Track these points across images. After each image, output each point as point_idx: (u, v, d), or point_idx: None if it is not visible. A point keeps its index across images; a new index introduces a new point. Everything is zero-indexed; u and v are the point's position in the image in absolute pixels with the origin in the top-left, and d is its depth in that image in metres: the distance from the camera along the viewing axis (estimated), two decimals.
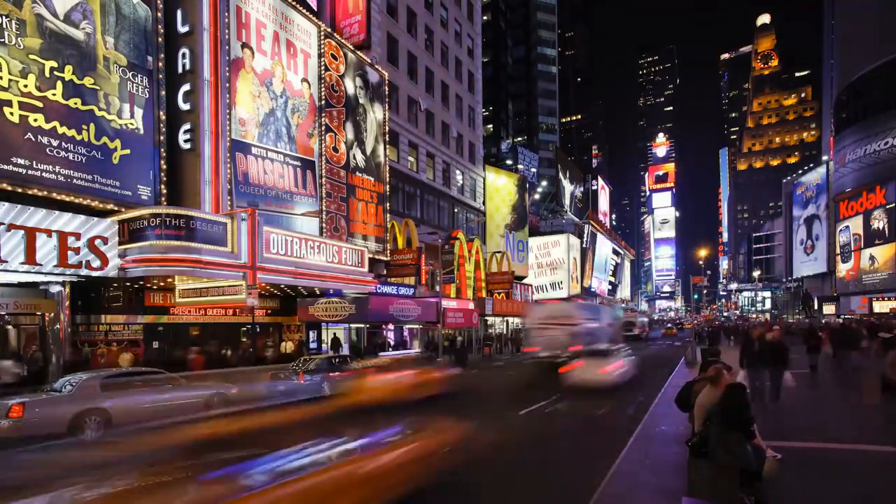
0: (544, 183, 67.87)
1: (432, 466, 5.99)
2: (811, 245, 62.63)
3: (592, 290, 68.01)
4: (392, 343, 27.91)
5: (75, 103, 14.52)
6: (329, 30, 23.98)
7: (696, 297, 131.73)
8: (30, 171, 13.52)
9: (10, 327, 14.56)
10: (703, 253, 75.24)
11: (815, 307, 57.01)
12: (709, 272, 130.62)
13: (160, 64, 16.80)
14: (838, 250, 52.11)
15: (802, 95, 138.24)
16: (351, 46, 25.21)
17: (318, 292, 21.17)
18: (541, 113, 74.76)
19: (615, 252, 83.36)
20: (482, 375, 21.26)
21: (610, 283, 79.52)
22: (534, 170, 62.53)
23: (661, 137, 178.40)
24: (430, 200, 35.16)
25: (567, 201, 73.46)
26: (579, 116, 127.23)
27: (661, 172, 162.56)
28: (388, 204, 26.74)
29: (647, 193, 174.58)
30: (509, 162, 59.22)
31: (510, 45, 70.24)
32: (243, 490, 3.99)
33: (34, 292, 14.31)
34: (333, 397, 13.26)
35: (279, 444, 4.60)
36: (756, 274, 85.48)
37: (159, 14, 16.87)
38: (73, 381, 10.02)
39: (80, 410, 9.49)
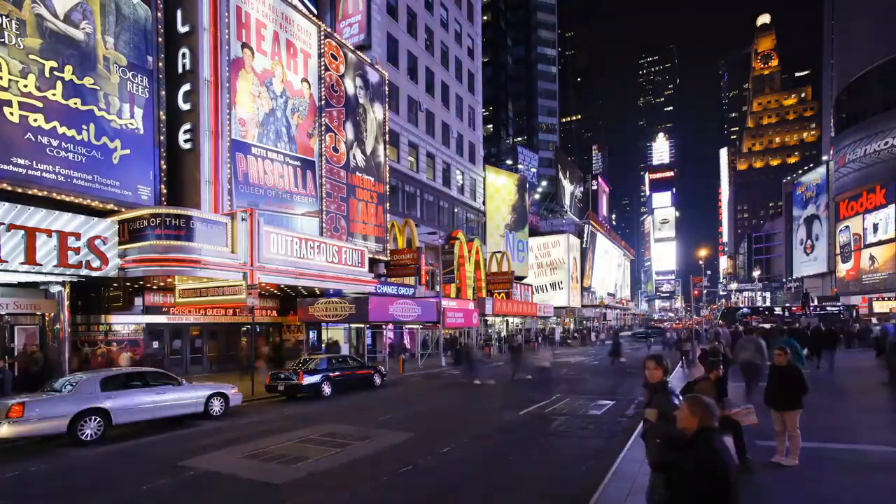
0: (544, 183, 67.86)
1: None
2: (811, 245, 62.60)
3: (592, 290, 67.97)
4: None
5: (75, 103, 14.52)
6: (329, 30, 23.98)
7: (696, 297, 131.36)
8: (30, 171, 13.51)
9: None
10: (703, 253, 75.16)
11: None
12: (709, 272, 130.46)
13: (160, 64, 16.80)
14: (838, 250, 52.08)
15: (802, 95, 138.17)
16: (351, 46, 25.21)
17: (318, 292, 21.17)
18: (541, 113, 74.72)
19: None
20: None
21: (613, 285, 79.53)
22: (534, 170, 62.54)
23: (661, 137, 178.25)
24: (430, 200, 35.15)
25: (567, 201, 73.47)
26: (579, 116, 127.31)
27: (660, 173, 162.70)
28: (388, 204, 26.73)
29: (647, 193, 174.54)
30: (509, 162, 59.21)
31: (510, 45, 70.22)
32: None
33: (34, 292, 14.31)
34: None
35: None
36: (756, 274, 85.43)
37: (159, 14, 16.87)
38: (73, 381, 10.02)
39: (80, 410, 9.48)
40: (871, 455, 7.59)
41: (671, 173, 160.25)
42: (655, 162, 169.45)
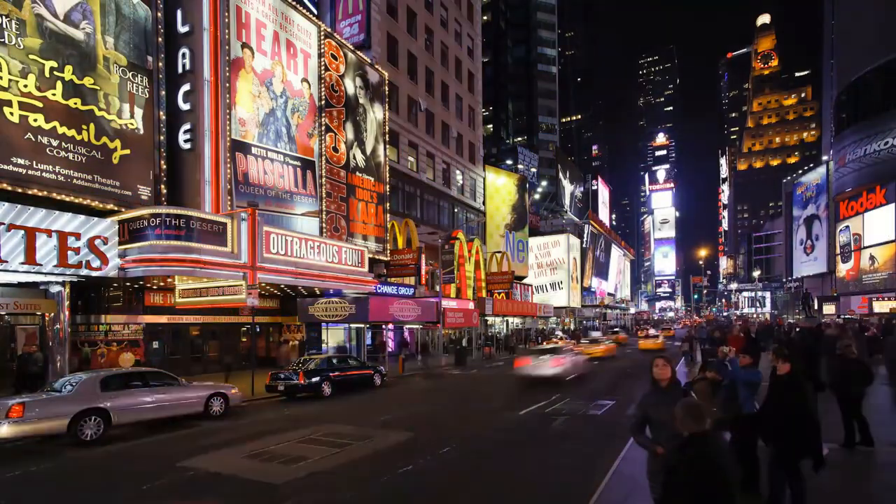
0: (544, 183, 67.83)
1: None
2: (811, 245, 62.54)
3: (592, 290, 67.98)
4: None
5: (75, 103, 14.53)
6: (329, 30, 23.97)
7: (695, 297, 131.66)
8: (30, 171, 13.52)
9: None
10: (703, 253, 75.24)
11: (815, 307, 56.97)
12: (709, 272, 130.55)
13: (160, 64, 16.81)
14: (838, 250, 52.04)
15: (802, 95, 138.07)
16: (351, 46, 25.20)
17: (318, 292, 21.18)
18: (541, 113, 74.69)
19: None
20: (483, 376, 21.26)
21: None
22: (534, 170, 62.48)
23: (661, 137, 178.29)
24: (430, 200, 35.14)
25: (567, 201, 73.42)
26: (579, 116, 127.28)
27: (660, 173, 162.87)
28: (388, 204, 26.73)
29: (647, 193, 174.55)
30: (509, 162, 59.19)
31: (510, 45, 70.18)
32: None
33: (34, 292, 14.30)
34: None
35: None
36: (756, 274, 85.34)
37: (159, 14, 16.88)
38: (73, 381, 10.02)
39: (80, 410, 9.48)
40: (871, 454, 7.59)
41: (671, 187, 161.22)
42: (654, 162, 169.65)
